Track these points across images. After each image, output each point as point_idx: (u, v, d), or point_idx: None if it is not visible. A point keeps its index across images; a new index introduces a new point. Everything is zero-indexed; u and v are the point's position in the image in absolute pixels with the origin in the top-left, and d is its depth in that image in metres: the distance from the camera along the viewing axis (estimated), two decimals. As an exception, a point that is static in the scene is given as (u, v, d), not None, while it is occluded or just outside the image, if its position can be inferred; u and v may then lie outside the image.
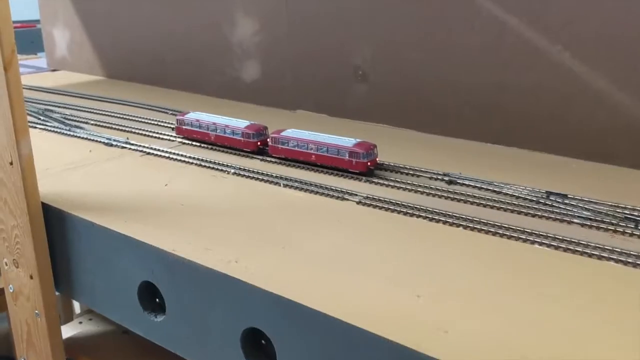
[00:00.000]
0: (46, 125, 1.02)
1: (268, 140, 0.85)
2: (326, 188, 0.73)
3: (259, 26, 1.13)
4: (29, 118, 1.05)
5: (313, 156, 0.80)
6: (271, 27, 1.11)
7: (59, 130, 0.99)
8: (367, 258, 0.56)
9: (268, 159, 0.85)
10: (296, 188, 0.74)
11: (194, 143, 0.92)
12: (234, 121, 0.89)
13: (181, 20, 1.26)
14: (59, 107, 1.15)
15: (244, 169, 0.80)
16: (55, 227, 0.69)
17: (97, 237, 0.65)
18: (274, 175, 0.77)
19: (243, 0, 1.14)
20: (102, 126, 1.02)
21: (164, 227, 0.63)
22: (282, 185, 0.75)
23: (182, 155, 0.85)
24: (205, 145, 0.91)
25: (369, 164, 0.77)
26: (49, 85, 1.35)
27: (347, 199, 0.70)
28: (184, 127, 0.93)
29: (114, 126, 1.01)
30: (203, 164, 0.82)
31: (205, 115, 0.92)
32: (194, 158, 0.84)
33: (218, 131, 0.89)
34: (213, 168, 0.81)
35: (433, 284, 0.51)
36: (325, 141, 0.80)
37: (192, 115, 0.93)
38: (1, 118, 0.64)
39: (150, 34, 1.33)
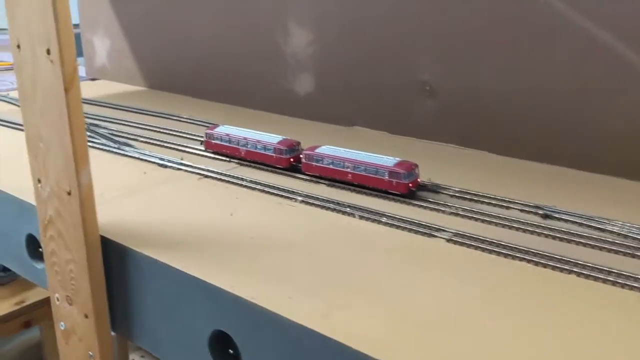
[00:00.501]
0: (93, 141, 0.96)
1: (301, 156, 0.81)
2: (406, 221, 0.66)
3: (313, 36, 1.06)
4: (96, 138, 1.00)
5: (349, 175, 0.76)
6: (326, 37, 1.05)
7: (107, 149, 0.93)
8: (498, 322, 0.48)
9: (300, 176, 0.81)
10: (373, 220, 0.67)
11: (252, 165, 0.86)
12: (265, 136, 0.85)
13: (229, 29, 1.20)
14: (104, 120, 1.09)
15: (311, 196, 0.73)
16: (114, 263, 0.63)
17: (161, 276, 0.59)
18: (345, 204, 0.71)
19: (296, 9, 1.07)
20: (152, 144, 0.96)
21: (237, 267, 0.57)
22: (356, 216, 0.68)
23: (241, 179, 0.79)
24: (265, 168, 0.84)
25: (410, 185, 0.72)
26: (90, 95, 1.30)
27: (434, 235, 0.63)
28: (213, 141, 0.89)
29: (165, 144, 0.95)
30: (266, 189, 0.76)
31: (236, 130, 0.88)
32: (255, 182, 0.78)
33: (249, 146, 0.85)
34: (278, 195, 0.74)
35: None
36: (363, 159, 0.75)
37: (222, 129, 0.89)
38: (60, 144, 0.59)
39: (195, 43, 1.28)
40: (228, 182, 0.79)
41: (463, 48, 0.89)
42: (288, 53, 1.11)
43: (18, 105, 1.23)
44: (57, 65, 0.56)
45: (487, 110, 0.89)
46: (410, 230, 0.65)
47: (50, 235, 0.65)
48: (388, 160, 0.74)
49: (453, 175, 0.80)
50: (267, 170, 0.83)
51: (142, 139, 0.98)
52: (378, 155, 0.76)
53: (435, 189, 0.75)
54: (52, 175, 0.61)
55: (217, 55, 1.23)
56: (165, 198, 0.74)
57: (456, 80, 0.91)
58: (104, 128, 1.04)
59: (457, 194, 0.73)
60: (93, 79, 1.53)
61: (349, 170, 0.76)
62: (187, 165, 0.85)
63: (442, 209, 0.70)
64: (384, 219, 0.67)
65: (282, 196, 0.74)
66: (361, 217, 0.68)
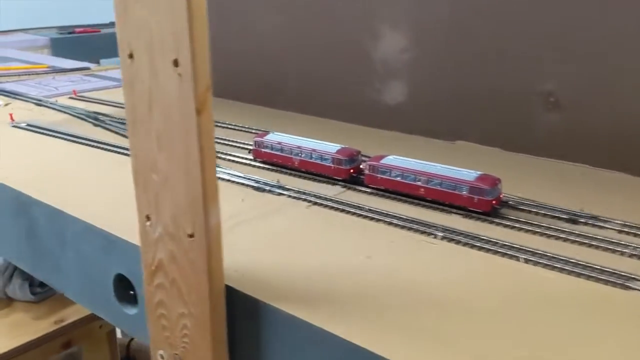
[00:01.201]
0: (170, 159, 0.85)
1: (362, 167, 0.75)
2: (585, 267, 0.54)
3: (408, 41, 0.95)
4: None
5: (422, 190, 0.69)
6: (425, 41, 0.93)
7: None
8: None
9: (362, 189, 0.74)
10: (545, 266, 0.56)
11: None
12: (322, 144, 0.78)
13: (305, 33, 1.09)
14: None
15: (452, 231, 0.62)
16: (238, 320, 0.52)
17: (307, 340, 0.48)
18: (500, 243, 0.59)
19: (391, 12, 0.96)
20: (237, 162, 0.85)
21: (400, 329, 0.46)
22: (521, 259, 0.57)
23: (358, 207, 0.68)
24: (375, 191, 0.73)
25: (493, 202, 0.65)
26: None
27: (631, 287, 0.52)
28: (262, 149, 0.82)
29: (253, 162, 0.84)
30: (394, 221, 0.65)
31: (289, 137, 0.81)
32: (377, 212, 0.66)
33: (303, 155, 0.77)
34: (411, 229, 0.63)
35: None
36: (438, 172, 0.69)
37: (273, 137, 0.81)
38: (183, 177, 0.48)
39: (265, 47, 1.17)
40: (343, 210, 0.68)
41: (600, 54, 0.77)
42: (377, 59, 0.99)
43: (71, 114, 1.13)
44: (187, 80, 0.45)
45: (627, 126, 0.77)
46: (588, 277, 0.53)
47: (159, 284, 0.54)
48: (468, 174, 0.67)
49: (608, 202, 0.68)
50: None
51: (223, 156, 0.86)
52: (454, 167, 0.69)
53: (516, 205, 0.67)
54: (167, 212, 0.50)
55: (292, 61, 1.12)
56: (280, 233, 0.63)
57: (588, 92, 0.79)
58: (176, 142, 0.93)
59: (623, 228, 0.62)
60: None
61: (421, 184, 0.69)
62: (287, 190, 0.73)
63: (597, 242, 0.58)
64: (544, 261, 0.55)
65: (416, 230, 0.63)
66: (527, 261, 0.56)
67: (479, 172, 0.67)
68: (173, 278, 0.52)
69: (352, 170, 0.76)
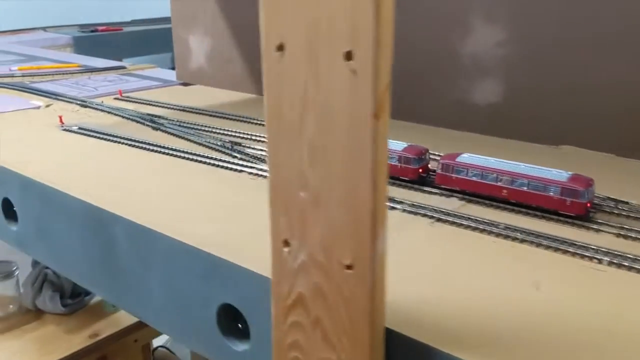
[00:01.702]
0: (254, 167, 0.76)
1: (431, 165, 0.70)
2: None
3: (506, 34, 0.86)
4: (214, 153, 0.81)
5: (504, 191, 0.63)
6: (526, 35, 0.84)
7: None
8: None
9: (433, 190, 0.68)
10: None
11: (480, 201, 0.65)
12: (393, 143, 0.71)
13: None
14: (244, 137, 0.89)
15: (623, 256, 0.53)
16: (399, 367, 0.43)
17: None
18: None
19: (485, 2, 0.87)
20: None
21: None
22: None
23: (494, 225, 0.59)
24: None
25: (588, 205, 0.60)
26: (199, 104, 1.10)
27: None
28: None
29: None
30: (543, 242, 0.56)
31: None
32: (521, 231, 0.57)
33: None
34: (573, 253, 0.54)
35: None
36: (524, 172, 0.63)
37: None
38: (347, 194, 0.39)
39: None
40: (475, 228, 0.59)
41: None
42: (465, 54, 0.90)
43: (123, 116, 1.05)
44: (364, 77, 0.36)
45: None
46: None
47: (296, 322, 0.45)
48: (557, 174, 0.62)
49: None
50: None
51: (310, 164, 0.77)
52: (540, 167, 0.63)
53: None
54: (316, 237, 0.41)
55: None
56: (412, 255, 0.54)
57: None
58: (251, 147, 0.84)
59: None
60: (185, 84, 1.33)
61: (503, 184, 0.63)
62: (398, 202, 0.64)
63: None
64: None
65: (575, 254, 0.54)
66: None
67: (569, 172, 0.62)
68: (317, 316, 0.43)
69: (420, 170, 0.69)
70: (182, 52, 1.33)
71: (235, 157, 0.80)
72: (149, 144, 0.85)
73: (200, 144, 0.86)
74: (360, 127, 0.37)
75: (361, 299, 0.40)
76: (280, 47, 0.39)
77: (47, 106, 1.13)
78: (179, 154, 0.81)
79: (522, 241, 0.56)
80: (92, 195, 0.67)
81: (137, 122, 0.98)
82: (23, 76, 1.40)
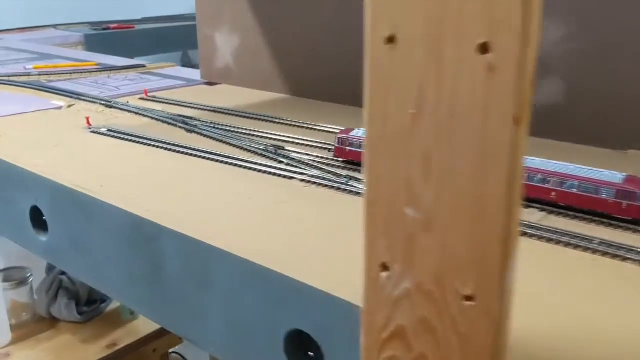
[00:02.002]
0: (304, 174, 0.70)
1: None
2: None
3: (568, 30, 0.80)
4: (257, 158, 0.75)
5: (553, 193, 0.60)
6: (590, 30, 0.78)
7: (331, 184, 0.67)
8: None
9: None
10: None
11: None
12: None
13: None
14: (286, 141, 0.83)
15: None
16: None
17: None
18: None
19: (546, -5, 0.81)
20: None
21: None
22: None
23: (590, 241, 0.53)
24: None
25: None
26: (229, 105, 1.04)
27: None
28: (347, 148, 0.71)
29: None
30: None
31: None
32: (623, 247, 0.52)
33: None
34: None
35: None
36: (573, 173, 0.59)
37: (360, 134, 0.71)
38: (471, 215, 0.33)
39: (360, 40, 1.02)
40: (568, 244, 0.53)
41: None
42: (522, 52, 0.84)
43: (152, 117, 0.99)
44: (504, 75, 0.30)
45: None
46: None
47: (392, 357, 0.39)
48: (611, 176, 0.58)
49: None
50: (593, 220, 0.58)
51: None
52: (592, 168, 0.60)
53: None
54: (426, 263, 0.35)
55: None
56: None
57: None
58: (295, 152, 0.78)
59: None
60: (210, 84, 1.27)
61: (552, 187, 0.59)
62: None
63: None
64: None
65: (687, 274, 0.48)
66: None
67: (624, 174, 0.58)
68: (421, 353, 0.37)
69: None
70: (207, 50, 1.27)
71: (281, 162, 0.74)
72: (186, 147, 0.79)
73: (240, 148, 0.80)
74: (494, 135, 0.31)
75: (482, 335, 0.34)
76: (391, 39, 0.33)
77: (69, 106, 1.07)
78: (220, 158, 0.75)
79: (624, 259, 0.50)
80: (134, 204, 0.62)
81: (169, 123, 0.92)
82: (40, 75, 1.34)
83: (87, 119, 0.90)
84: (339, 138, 0.73)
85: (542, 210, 0.60)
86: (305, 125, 0.91)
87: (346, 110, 1.02)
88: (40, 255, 0.76)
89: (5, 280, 1.50)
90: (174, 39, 2.46)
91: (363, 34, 0.34)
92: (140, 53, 2.35)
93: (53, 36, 2.14)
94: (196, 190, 0.66)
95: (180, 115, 0.95)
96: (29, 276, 1.53)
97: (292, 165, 0.73)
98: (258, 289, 0.50)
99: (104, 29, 2.29)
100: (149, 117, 0.96)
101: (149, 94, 1.13)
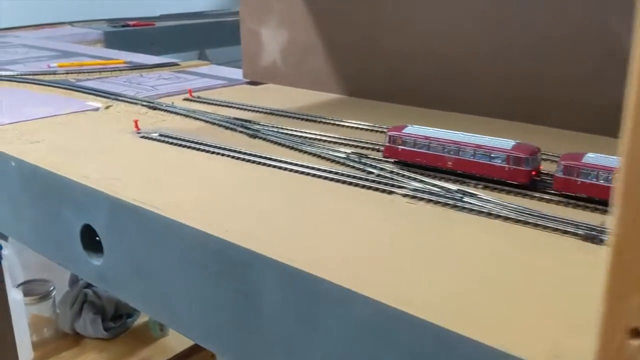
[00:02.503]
0: (395, 185, 0.60)
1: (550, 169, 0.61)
2: None
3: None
4: (341, 168, 0.65)
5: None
6: None
7: (439, 200, 0.57)
8: None
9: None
10: None
11: None
12: (486, 139, 0.62)
13: (500, 13, 0.84)
14: (367, 147, 0.73)
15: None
16: None
17: None
18: None
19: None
20: (496, 189, 0.60)
21: None
22: None
23: None
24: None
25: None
26: (285, 107, 0.94)
27: None
28: (399, 147, 0.66)
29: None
30: None
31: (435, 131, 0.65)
32: None
33: (462, 154, 0.62)
34: None
35: None
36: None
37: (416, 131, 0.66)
38: None
39: (434, 35, 0.92)
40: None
41: None
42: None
43: (205, 120, 0.88)
44: None
45: None
46: None
47: None
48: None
49: None
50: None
51: (472, 181, 0.61)
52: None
53: None
54: None
55: (477, 51, 0.87)
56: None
57: None
58: (382, 160, 0.68)
59: None
60: (253, 83, 1.17)
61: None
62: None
63: None
64: None
65: None
66: None
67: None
68: None
69: (533, 173, 0.60)
70: (251, 47, 1.17)
71: (370, 172, 0.64)
72: (255, 155, 0.69)
73: (317, 156, 0.70)
74: None
75: None
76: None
77: (107, 107, 0.97)
78: (298, 168, 0.65)
79: None
80: (211, 224, 0.52)
81: (225, 127, 0.82)
82: (67, 73, 1.24)
83: (136, 122, 0.80)
84: (390, 136, 0.67)
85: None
86: (381, 130, 0.80)
87: (413, 112, 0.92)
88: (92, 281, 0.66)
89: (26, 294, 1.40)
90: (195, 37, 2.36)
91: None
92: (161, 51, 2.25)
93: (71, 33, 2.04)
94: (281, 207, 0.56)
95: (236, 118, 0.85)
96: (52, 290, 1.43)
97: (387, 177, 0.62)
98: (392, 335, 0.40)
99: (123, 26, 2.19)
100: (201, 119, 0.86)
101: (193, 94, 1.02)
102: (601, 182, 0.54)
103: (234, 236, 0.49)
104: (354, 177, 0.62)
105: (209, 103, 0.97)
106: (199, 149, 0.72)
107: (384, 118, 0.85)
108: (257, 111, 0.92)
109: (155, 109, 0.93)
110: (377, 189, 0.60)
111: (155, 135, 0.78)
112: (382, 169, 0.65)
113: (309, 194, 0.59)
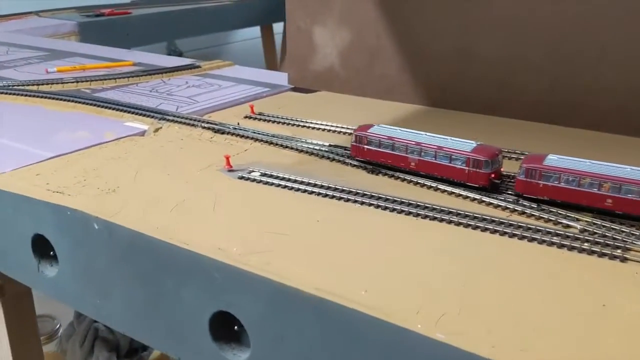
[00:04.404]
0: (601, 242, 0.48)
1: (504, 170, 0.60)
2: None
3: None
4: (502, 214, 0.52)
5: (609, 200, 0.52)
6: None
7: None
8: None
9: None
10: None
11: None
12: (449, 141, 0.61)
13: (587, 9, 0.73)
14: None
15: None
16: None
17: None
18: None
19: None
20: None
21: None
22: None
23: None
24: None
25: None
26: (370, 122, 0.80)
27: None
28: (365, 146, 0.65)
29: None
30: None
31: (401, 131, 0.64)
32: None
33: (424, 155, 0.61)
34: None
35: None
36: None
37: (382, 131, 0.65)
38: None
39: (513, 37, 0.80)
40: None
41: None
42: None
43: (301, 150, 0.73)
44: None
45: None
46: None
47: None
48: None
49: None
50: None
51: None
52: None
53: None
54: None
55: (558, 51, 0.75)
56: None
57: None
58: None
59: None
60: (299, 89, 1.02)
61: (607, 193, 0.51)
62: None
63: None
64: None
65: None
66: None
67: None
68: None
69: (493, 175, 0.58)
70: (299, 47, 1.01)
71: (540, 217, 0.52)
72: (400, 202, 0.55)
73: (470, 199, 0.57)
74: None
75: None
76: None
77: (156, 130, 0.80)
78: (457, 219, 0.52)
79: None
80: (382, 308, 0.39)
81: (330, 159, 0.68)
82: (77, 82, 1.05)
83: (227, 159, 0.65)
84: (356, 136, 0.66)
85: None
86: (514, 155, 0.68)
87: (519, 126, 0.80)
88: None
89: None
90: (174, 26, 2.15)
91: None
92: (137, 43, 2.04)
93: (42, 25, 1.81)
94: (469, 279, 0.43)
95: (335, 145, 0.71)
96: (58, 328, 1.25)
97: (580, 230, 0.50)
98: None
99: (97, 16, 1.96)
100: (292, 148, 0.71)
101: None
102: (562, 184, 0.53)
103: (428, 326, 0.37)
104: (537, 230, 0.50)
105: (279, 122, 0.82)
106: (334, 197, 0.57)
107: (505, 138, 0.73)
108: (345, 132, 0.77)
109: (222, 132, 0.77)
110: (578, 249, 0.48)
111: (256, 175, 0.63)
112: (558, 214, 0.53)
113: (485, 254, 0.46)
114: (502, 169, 0.59)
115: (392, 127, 0.65)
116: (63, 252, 0.59)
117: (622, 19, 0.73)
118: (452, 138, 0.61)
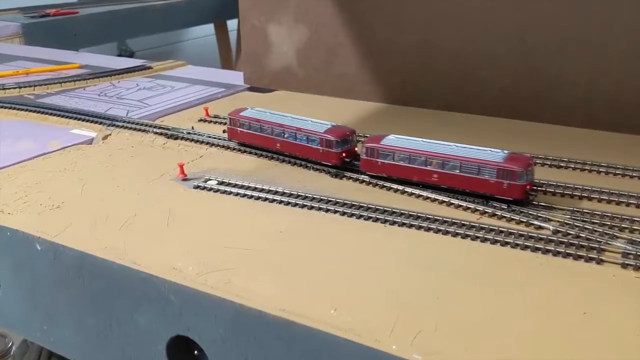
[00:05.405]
0: (601, 249, 0.46)
1: (357, 150, 0.62)
2: None
3: None
4: (491, 221, 0.51)
5: (435, 175, 0.55)
6: None
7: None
8: None
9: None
10: None
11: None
12: (308, 123, 0.63)
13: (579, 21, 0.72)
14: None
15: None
16: None
17: None
18: None
19: None
20: None
21: None
22: None
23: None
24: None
25: (527, 187, 0.53)
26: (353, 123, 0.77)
27: None
28: (238, 129, 0.68)
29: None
30: None
31: (270, 114, 0.67)
32: None
33: (286, 136, 0.63)
34: None
35: None
36: (459, 154, 0.55)
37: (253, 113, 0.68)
38: None
39: (476, 30, 0.78)
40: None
41: None
42: None
43: (254, 154, 0.69)
44: None
45: None
46: None
47: None
48: (495, 155, 0.54)
49: None
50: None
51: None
52: (474, 146, 0.56)
53: None
54: None
55: (536, 53, 0.74)
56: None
57: None
58: (559, 207, 0.54)
59: None
60: (255, 89, 0.98)
61: (434, 168, 0.55)
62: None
63: None
64: None
65: None
66: None
67: (505, 152, 0.55)
68: None
69: (344, 154, 0.61)
70: (254, 46, 0.98)
71: (539, 226, 0.50)
72: (367, 207, 0.53)
73: (440, 201, 0.55)
74: None
75: None
76: None
77: (105, 138, 0.76)
78: (427, 225, 0.50)
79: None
80: (353, 328, 0.36)
81: (292, 163, 0.65)
82: (19, 88, 0.99)
83: (181, 167, 0.61)
84: (230, 119, 0.69)
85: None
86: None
87: (480, 121, 0.78)
88: None
89: (-24, 354, 1.15)
90: (124, 25, 2.08)
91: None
92: (85, 43, 1.96)
93: (-18, 28, 1.72)
94: (454, 296, 0.41)
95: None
96: (10, 347, 1.19)
97: (566, 236, 0.49)
98: None
99: (43, 16, 1.88)
100: (249, 153, 0.68)
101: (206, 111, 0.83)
102: (397, 162, 0.56)
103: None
104: (518, 234, 0.48)
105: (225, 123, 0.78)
106: (297, 205, 0.54)
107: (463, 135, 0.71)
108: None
109: (175, 138, 0.73)
110: (573, 256, 0.46)
111: (212, 183, 0.59)
112: (543, 218, 0.51)
113: (471, 263, 0.44)
114: (355, 149, 0.61)
115: (261, 109, 0.68)
116: (4, 275, 0.54)
117: (582, 13, 0.72)
118: (312, 119, 0.63)
